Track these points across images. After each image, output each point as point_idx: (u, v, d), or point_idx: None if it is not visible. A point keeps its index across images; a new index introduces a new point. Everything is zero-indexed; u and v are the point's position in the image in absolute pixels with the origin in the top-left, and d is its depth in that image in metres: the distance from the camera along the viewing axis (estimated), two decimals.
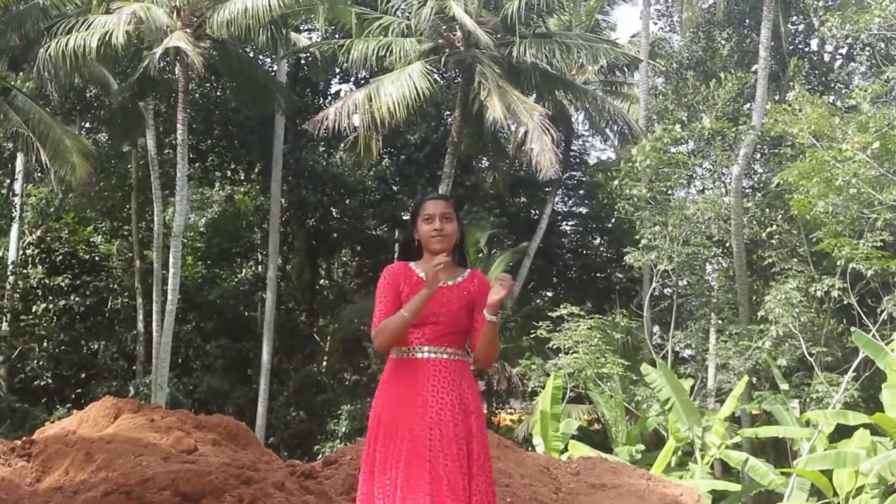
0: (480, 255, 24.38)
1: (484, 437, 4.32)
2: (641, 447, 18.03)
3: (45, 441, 7.35)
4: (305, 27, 27.65)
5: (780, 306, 18.40)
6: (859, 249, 17.23)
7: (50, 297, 25.01)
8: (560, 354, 20.04)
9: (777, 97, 22.66)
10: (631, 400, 19.87)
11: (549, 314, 21.11)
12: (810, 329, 19.38)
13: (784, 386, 17.32)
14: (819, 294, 18.42)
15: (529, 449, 14.94)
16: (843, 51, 26.84)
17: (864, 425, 14.66)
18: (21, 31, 18.69)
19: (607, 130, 28.93)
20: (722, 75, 23.03)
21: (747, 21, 25.64)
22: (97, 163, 23.09)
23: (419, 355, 4.27)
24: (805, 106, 18.12)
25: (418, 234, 4.41)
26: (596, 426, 23.89)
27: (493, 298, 4.18)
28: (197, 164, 28.26)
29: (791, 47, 25.63)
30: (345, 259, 32.25)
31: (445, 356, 4.28)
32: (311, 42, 22.86)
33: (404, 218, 28.24)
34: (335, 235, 29.42)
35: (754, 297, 21.49)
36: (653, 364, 17.48)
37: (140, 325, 25.04)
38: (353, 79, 28.31)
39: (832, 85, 25.61)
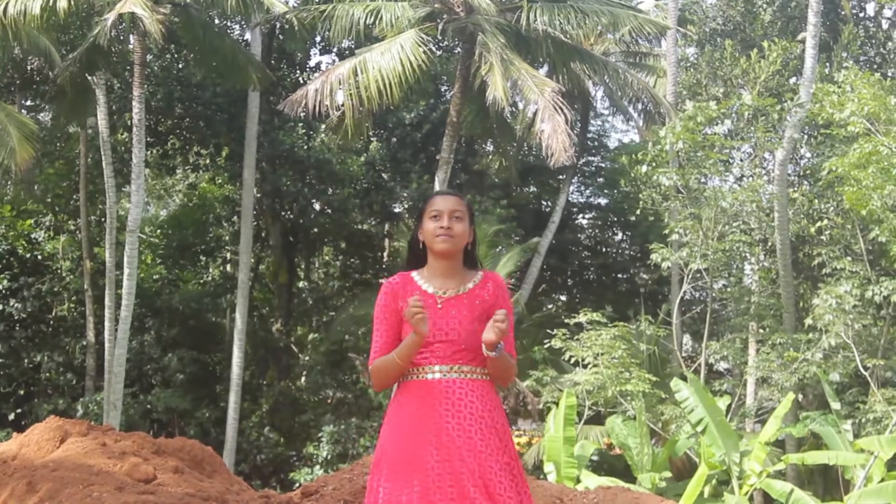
0: (494, 250, 24.40)
1: (519, 467, 4.28)
2: (668, 474, 18.02)
3: None
4: None
5: (831, 312, 18.39)
6: None
7: None
8: (577, 368, 20.02)
9: (827, 70, 22.64)
10: (657, 420, 19.86)
11: (565, 321, 21.09)
12: (866, 339, 19.36)
13: (836, 405, 17.28)
14: (877, 299, 18.40)
15: (541, 477, 14.93)
16: None
17: None
18: None
19: (630, 108, 28.99)
20: (765, 44, 23.01)
21: None
22: (40, 146, 23.06)
23: (430, 376, 4.24)
24: (857, 85, 18.08)
25: (423, 232, 4.38)
26: (618, 450, 23.89)
27: (486, 338, 4.14)
28: (156, 149, 28.26)
29: (843, 12, 25.63)
30: (327, 258, 32.25)
31: (461, 376, 4.24)
32: (289, 8, 22.79)
33: (396, 210, 28.26)
34: (316, 230, 29.41)
35: (801, 303, 21.48)
36: (683, 379, 17.46)
37: (90, 335, 25.01)
38: (335, 50, 28.30)
39: (891, 57, 25.61)
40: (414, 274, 4.39)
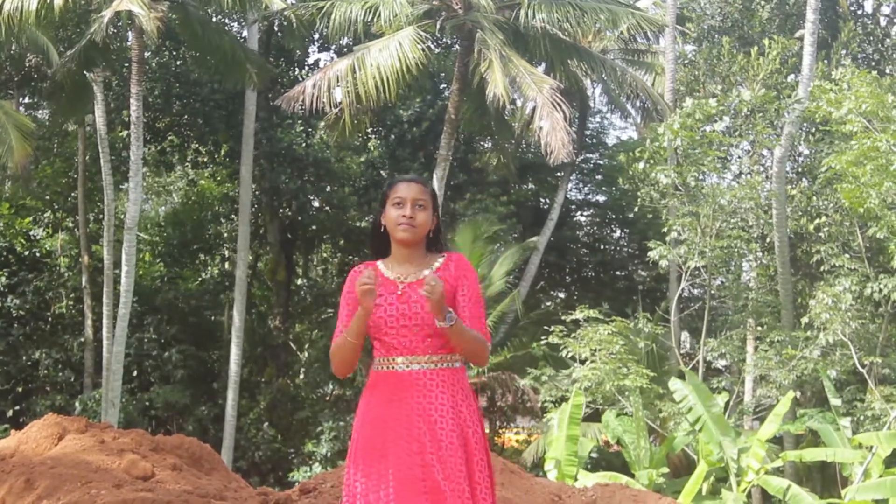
0: (493, 247, 24.42)
1: (486, 458, 4.26)
2: (665, 470, 18.03)
3: None
4: None
5: (828, 311, 18.39)
6: None
7: None
8: (575, 364, 20.02)
9: (826, 68, 22.63)
10: (655, 417, 19.87)
11: (563, 318, 21.09)
12: (864, 336, 19.37)
13: (836, 401, 17.27)
14: (876, 296, 18.41)
15: (540, 475, 14.94)
16: None
17: None
18: None
19: (628, 106, 29.00)
20: (765, 42, 23.01)
21: None
22: (38, 143, 23.04)
23: (400, 367, 4.22)
24: (854, 83, 18.07)
25: (385, 219, 4.35)
26: (617, 447, 23.91)
27: (427, 307, 4.11)
28: (154, 146, 28.25)
29: (841, 9, 25.62)
30: (325, 255, 32.24)
31: (431, 366, 4.22)
32: (287, 4, 22.78)
33: None
34: (314, 228, 29.40)
35: (799, 300, 21.48)
36: (681, 376, 17.47)
37: (88, 332, 25.01)
38: (334, 47, 28.30)
39: (888, 54, 25.61)
40: (379, 263, 4.37)
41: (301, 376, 28.35)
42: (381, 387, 4.24)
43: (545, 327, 21.30)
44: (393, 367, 4.23)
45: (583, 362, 19.81)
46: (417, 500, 4.00)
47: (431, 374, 4.21)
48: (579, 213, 32.97)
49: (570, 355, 20.22)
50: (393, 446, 4.10)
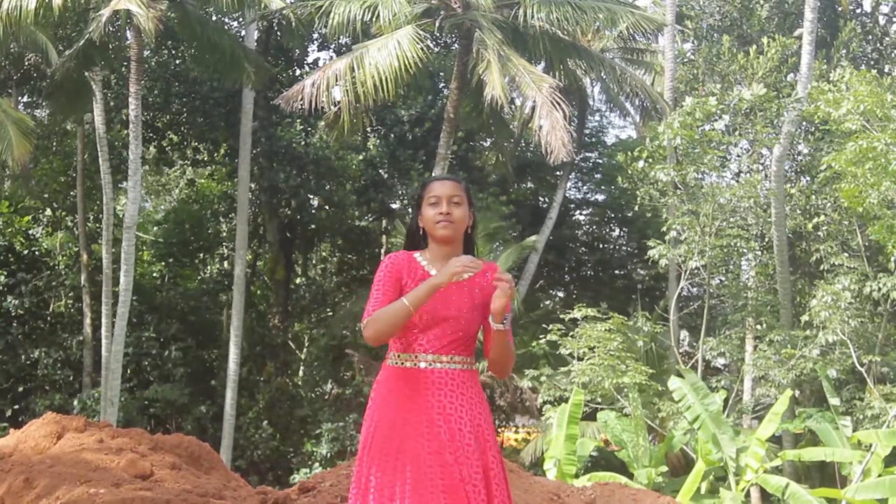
0: (493, 246, 24.42)
1: (500, 461, 4.26)
2: (664, 469, 18.03)
3: None
4: None
5: (827, 309, 18.40)
6: None
7: None
8: (574, 362, 20.03)
9: (826, 67, 22.64)
10: (654, 416, 19.88)
11: (562, 317, 21.10)
12: (863, 335, 19.38)
13: (835, 400, 17.27)
14: (875, 295, 18.41)
15: (538, 473, 14.95)
16: None
17: None
18: None
19: (627, 105, 28.99)
20: (764, 41, 23.01)
21: None
22: (37, 142, 23.02)
23: (422, 364, 4.20)
24: (853, 83, 18.07)
25: (422, 219, 4.34)
26: (615, 446, 23.94)
27: (496, 305, 4.09)
28: (153, 144, 28.24)
29: (840, 8, 25.63)
30: (324, 254, 32.24)
31: (453, 366, 4.21)
32: (286, 3, 22.77)
33: (394, 207, 28.25)
34: (313, 227, 29.40)
35: (798, 298, 21.49)
36: (680, 375, 17.47)
37: (87, 331, 25.01)
38: (333, 46, 28.29)
39: (887, 52, 25.62)
40: (416, 255, 4.34)
41: (300, 375, 28.36)
42: (400, 382, 4.22)
43: (544, 326, 21.31)
44: (414, 364, 4.21)
45: (581, 360, 19.82)
46: (434, 498, 4.00)
47: (452, 374, 4.21)
48: (578, 212, 32.98)
49: (568, 353, 20.22)
50: (411, 443, 4.09)
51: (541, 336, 21.32)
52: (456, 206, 4.30)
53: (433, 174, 21.86)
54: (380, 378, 4.32)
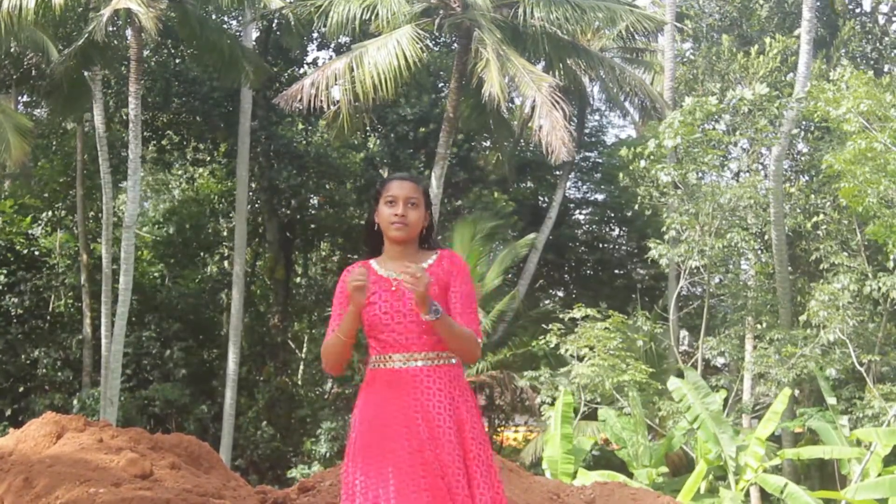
0: (492, 245, 24.44)
1: (485, 455, 4.24)
2: (664, 469, 18.03)
3: None
4: None
5: (826, 309, 18.40)
6: None
7: None
8: (574, 362, 20.03)
9: (826, 67, 22.64)
10: (654, 416, 19.87)
11: (561, 316, 21.09)
12: (862, 334, 19.37)
13: (832, 400, 17.28)
14: (874, 294, 18.41)
15: (539, 474, 14.94)
16: None
17: None
18: None
19: (627, 104, 29.01)
20: (767, 40, 23.01)
21: None
22: (37, 142, 23.00)
23: (397, 364, 4.21)
24: (852, 83, 18.07)
25: (378, 217, 4.37)
26: (615, 445, 23.94)
27: (416, 300, 4.07)
28: (152, 144, 28.23)
29: (840, 7, 25.62)
30: (324, 253, 32.24)
31: (427, 363, 4.21)
32: (285, 3, 22.78)
33: None
34: (313, 226, 29.39)
35: (798, 298, 21.49)
36: (680, 374, 17.47)
37: (87, 330, 24.99)
38: (332, 45, 28.28)
39: (887, 52, 25.62)
40: (372, 261, 4.37)
41: (300, 375, 28.35)
42: (379, 384, 4.23)
43: (544, 326, 21.30)
44: (390, 365, 4.23)
45: (581, 359, 19.81)
46: (418, 497, 4.00)
47: (429, 370, 4.20)
48: (578, 211, 33.00)
49: (568, 352, 20.21)
50: (392, 444, 4.10)
51: (541, 336, 21.29)
52: (412, 209, 4.31)
53: (433, 174, 21.86)
54: (363, 382, 4.35)
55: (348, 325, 4.17)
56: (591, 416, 21.34)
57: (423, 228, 4.38)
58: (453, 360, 4.28)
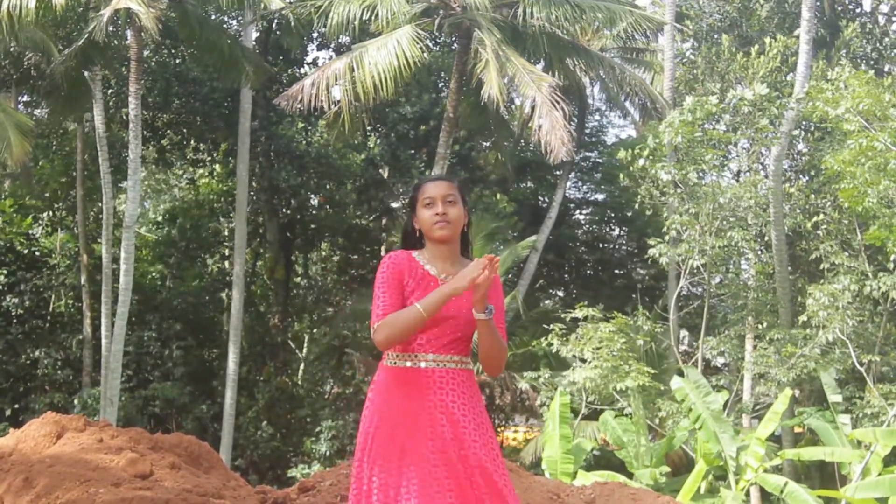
0: (492, 245, 24.42)
1: (500, 454, 4.26)
2: (666, 469, 18.02)
3: None
4: None
5: (825, 309, 18.39)
6: None
7: None
8: (575, 363, 20.00)
9: (825, 66, 22.62)
10: (654, 416, 19.86)
11: (562, 316, 21.07)
12: (862, 334, 19.36)
13: (836, 398, 17.21)
14: (875, 294, 18.40)
15: (539, 474, 14.94)
16: None
17: None
18: None
19: (627, 104, 29.01)
20: (767, 40, 23.00)
21: None
22: (37, 142, 22.98)
23: (422, 364, 4.19)
24: (851, 83, 18.06)
25: (418, 221, 4.34)
26: (615, 446, 23.92)
27: (475, 295, 4.06)
28: (152, 144, 28.23)
29: (840, 8, 25.62)
30: (325, 253, 32.24)
31: (452, 365, 4.21)
32: (285, 3, 22.78)
33: (394, 206, 28.26)
34: (313, 226, 29.39)
35: (799, 298, 21.48)
36: (681, 374, 17.46)
37: (87, 330, 24.99)
38: (332, 45, 28.28)
39: (887, 52, 25.61)
40: (415, 254, 4.33)
41: (300, 375, 28.36)
42: (400, 383, 4.21)
43: (544, 326, 21.28)
44: (416, 364, 4.20)
45: (583, 360, 19.77)
46: (441, 498, 3.99)
47: (453, 373, 4.21)
48: (578, 211, 33.00)
49: (570, 354, 20.18)
50: (413, 443, 4.08)
51: (542, 337, 21.26)
52: (451, 206, 4.29)
53: (432, 173, 21.86)
54: (378, 379, 4.30)
55: (438, 303, 4.09)
56: (591, 416, 21.35)
57: (464, 225, 4.37)
58: (470, 367, 4.28)
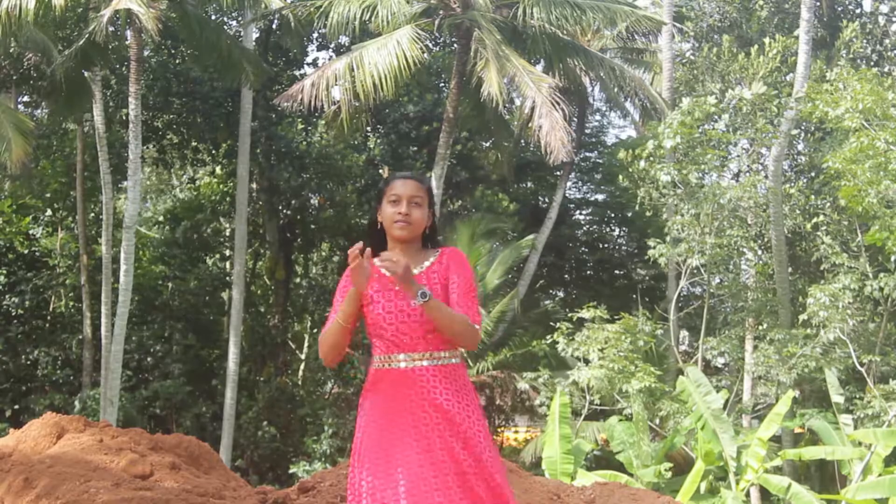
0: (493, 245, 24.42)
1: (493, 451, 4.23)
2: (668, 465, 18.01)
3: None
4: None
5: (825, 309, 18.39)
6: None
7: None
8: (579, 364, 19.99)
9: (826, 67, 22.63)
10: (654, 416, 19.86)
11: (568, 316, 21.05)
12: (862, 335, 19.36)
13: (838, 398, 17.19)
14: (874, 295, 18.40)
15: (539, 474, 14.94)
16: None
17: None
18: None
19: (627, 104, 29.00)
20: (766, 41, 23.00)
21: None
22: (37, 142, 22.96)
23: (402, 364, 4.19)
24: (851, 83, 18.06)
25: (381, 215, 4.36)
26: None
27: (400, 286, 4.09)
28: (152, 144, 28.22)
29: (840, 8, 25.62)
30: (325, 253, 32.23)
31: (431, 362, 4.20)
32: (285, 3, 22.78)
33: None
34: (313, 227, 29.39)
35: (799, 298, 21.49)
36: (680, 374, 17.46)
37: (87, 330, 24.95)
38: (332, 46, 28.28)
39: (887, 53, 25.62)
40: (376, 259, 4.28)
41: (300, 375, 28.34)
42: (383, 385, 4.22)
43: (550, 324, 21.28)
44: (394, 365, 4.21)
45: (587, 361, 19.74)
46: (430, 498, 3.98)
47: (433, 370, 4.19)
48: (578, 211, 32.99)
49: (574, 354, 20.16)
50: (399, 444, 4.08)
51: (546, 336, 21.24)
52: (416, 208, 4.30)
53: (433, 174, 21.85)
54: (366, 382, 4.33)
55: (348, 308, 4.17)
56: (591, 416, 21.35)
57: (426, 228, 4.38)
58: (456, 360, 4.26)
